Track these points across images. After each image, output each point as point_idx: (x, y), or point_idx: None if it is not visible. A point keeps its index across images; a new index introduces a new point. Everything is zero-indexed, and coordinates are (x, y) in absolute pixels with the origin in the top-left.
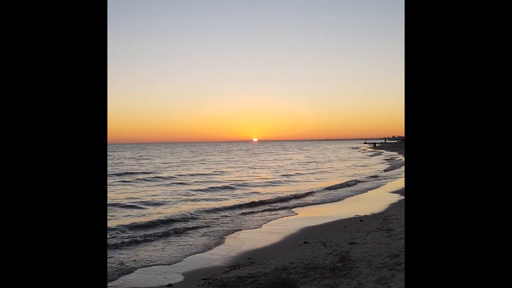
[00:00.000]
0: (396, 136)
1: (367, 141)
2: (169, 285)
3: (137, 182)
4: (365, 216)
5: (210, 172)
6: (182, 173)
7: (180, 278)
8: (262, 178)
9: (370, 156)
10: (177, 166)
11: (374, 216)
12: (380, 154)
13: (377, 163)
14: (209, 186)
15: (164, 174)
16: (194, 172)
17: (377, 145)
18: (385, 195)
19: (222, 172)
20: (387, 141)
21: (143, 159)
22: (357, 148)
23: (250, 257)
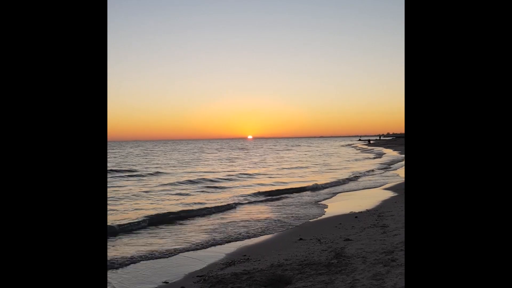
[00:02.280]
0: (391, 133)
1: (361, 138)
2: (165, 282)
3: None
4: (360, 212)
5: (275, 173)
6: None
7: (176, 275)
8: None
9: (377, 156)
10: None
11: (368, 212)
12: (381, 155)
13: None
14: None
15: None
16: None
17: (371, 142)
18: (379, 192)
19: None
20: (381, 138)
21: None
22: (355, 145)
23: (246, 254)
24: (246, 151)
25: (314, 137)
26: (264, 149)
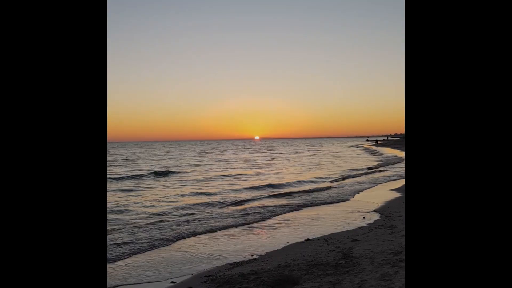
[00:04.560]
0: (398, 133)
1: (369, 139)
2: (172, 282)
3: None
4: (368, 213)
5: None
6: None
7: (183, 275)
8: None
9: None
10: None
11: (376, 213)
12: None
13: None
14: None
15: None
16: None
17: (379, 142)
18: (385, 192)
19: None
20: (389, 138)
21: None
22: (366, 146)
23: (253, 254)
24: (276, 152)
25: (321, 137)
26: (290, 150)
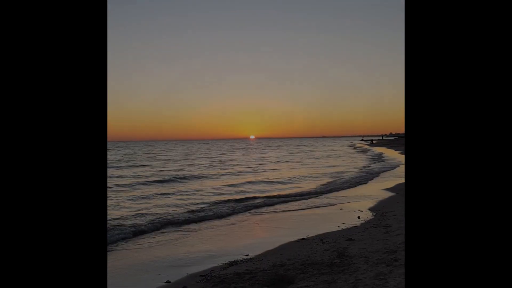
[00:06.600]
0: (393, 133)
1: (364, 138)
2: (167, 281)
3: None
4: (362, 212)
5: None
6: None
7: (178, 275)
8: None
9: None
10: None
11: (371, 212)
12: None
13: None
14: None
15: None
16: None
17: (374, 142)
18: (380, 192)
19: None
20: (384, 138)
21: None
22: (364, 147)
23: (248, 254)
24: (287, 153)
25: (317, 137)
26: (298, 150)
